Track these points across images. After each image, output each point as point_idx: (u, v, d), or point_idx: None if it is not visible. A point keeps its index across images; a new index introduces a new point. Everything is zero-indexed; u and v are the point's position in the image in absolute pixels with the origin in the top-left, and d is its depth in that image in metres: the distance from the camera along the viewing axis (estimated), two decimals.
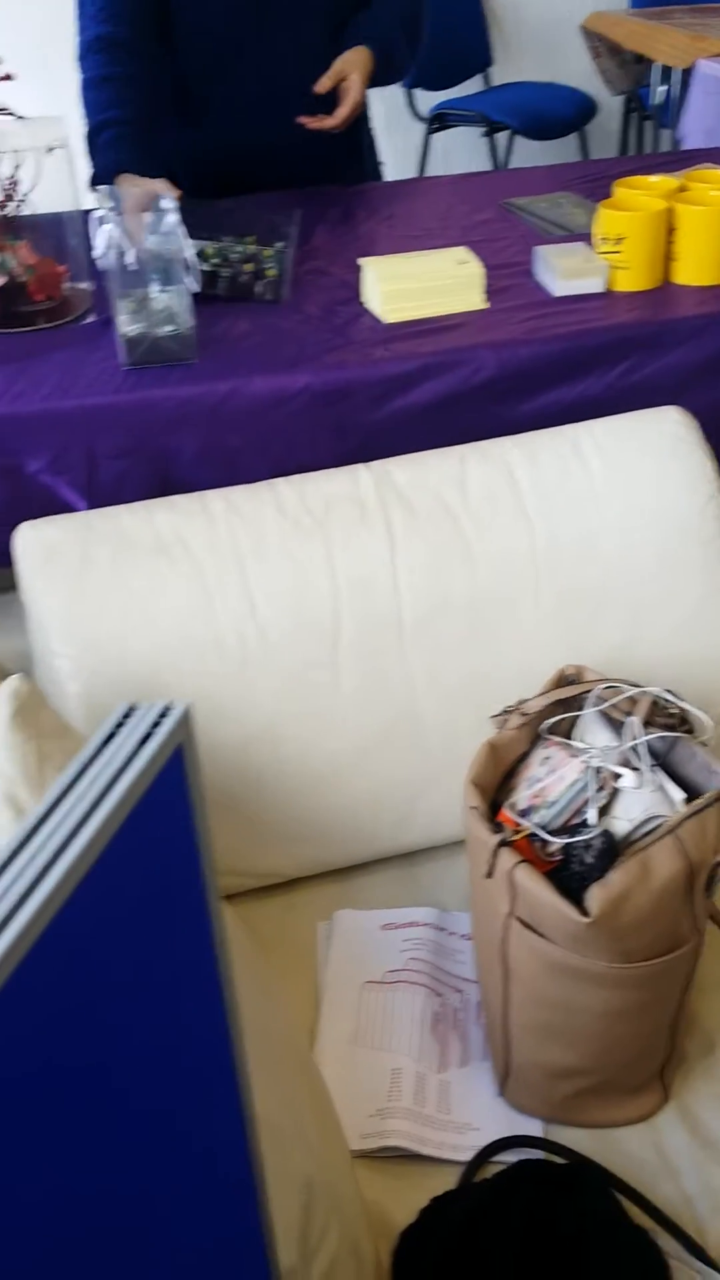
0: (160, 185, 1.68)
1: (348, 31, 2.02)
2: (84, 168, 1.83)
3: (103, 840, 0.52)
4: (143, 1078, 0.60)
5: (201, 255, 1.70)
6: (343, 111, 1.97)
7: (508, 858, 1.11)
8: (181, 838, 0.60)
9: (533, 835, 1.14)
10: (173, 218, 1.49)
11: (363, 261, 1.71)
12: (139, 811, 0.55)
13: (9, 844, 0.51)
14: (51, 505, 1.51)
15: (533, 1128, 1.19)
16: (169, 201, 1.51)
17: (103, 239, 1.53)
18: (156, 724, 0.58)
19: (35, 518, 1.40)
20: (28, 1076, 0.49)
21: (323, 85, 1.96)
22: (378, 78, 2.01)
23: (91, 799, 0.53)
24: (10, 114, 1.85)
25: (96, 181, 1.82)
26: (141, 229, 1.53)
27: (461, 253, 1.72)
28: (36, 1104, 0.50)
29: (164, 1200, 0.64)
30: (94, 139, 1.87)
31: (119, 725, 0.58)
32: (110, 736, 0.57)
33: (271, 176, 2.10)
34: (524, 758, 1.26)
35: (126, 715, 0.58)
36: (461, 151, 4.40)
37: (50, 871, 0.50)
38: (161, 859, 0.59)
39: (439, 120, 4.19)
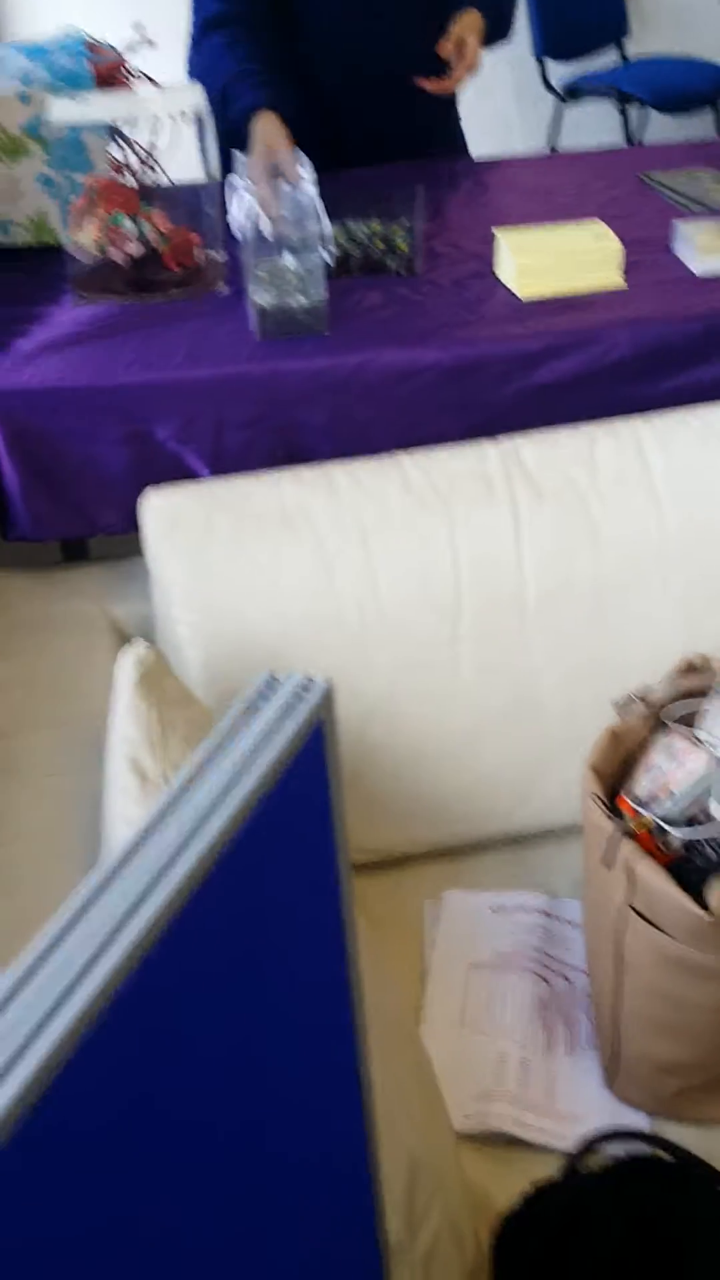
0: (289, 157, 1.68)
1: None
2: (214, 141, 1.80)
3: (244, 813, 0.52)
4: (270, 1050, 0.60)
5: None
6: (459, 73, 1.97)
7: (627, 848, 1.09)
8: (318, 813, 0.60)
9: (653, 826, 1.11)
10: (310, 188, 1.48)
11: (498, 233, 1.68)
12: (280, 785, 0.55)
13: (155, 812, 0.51)
14: (178, 473, 1.52)
15: (639, 1121, 1.17)
16: (307, 171, 1.51)
17: (239, 208, 1.53)
18: (298, 697, 0.57)
19: (161, 484, 1.41)
20: (167, 1043, 0.50)
21: (444, 49, 1.97)
22: (487, 38, 2.01)
23: (234, 770, 0.53)
24: (150, 81, 1.86)
25: (234, 128, 1.81)
26: (267, 184, 1.52)
27: (598, 227, 1.68)
28: (176, 1069, 0.51)
29: (285, 1169, 0.64)
30: (227, 94, 1.87)
31: (260, 696, 0.58)
32: (252, 708, 0.57)
33: (378, 146, 2.08)
34: (645, 746, 1.23)
35: (269, 686, 0.58)
36: (592, 125, 4.30)
37: (194, 841, 0.50)
38: (298, 833, 0.58)
39: (571, 93, 4.10)
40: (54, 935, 0.46)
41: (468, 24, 1.97)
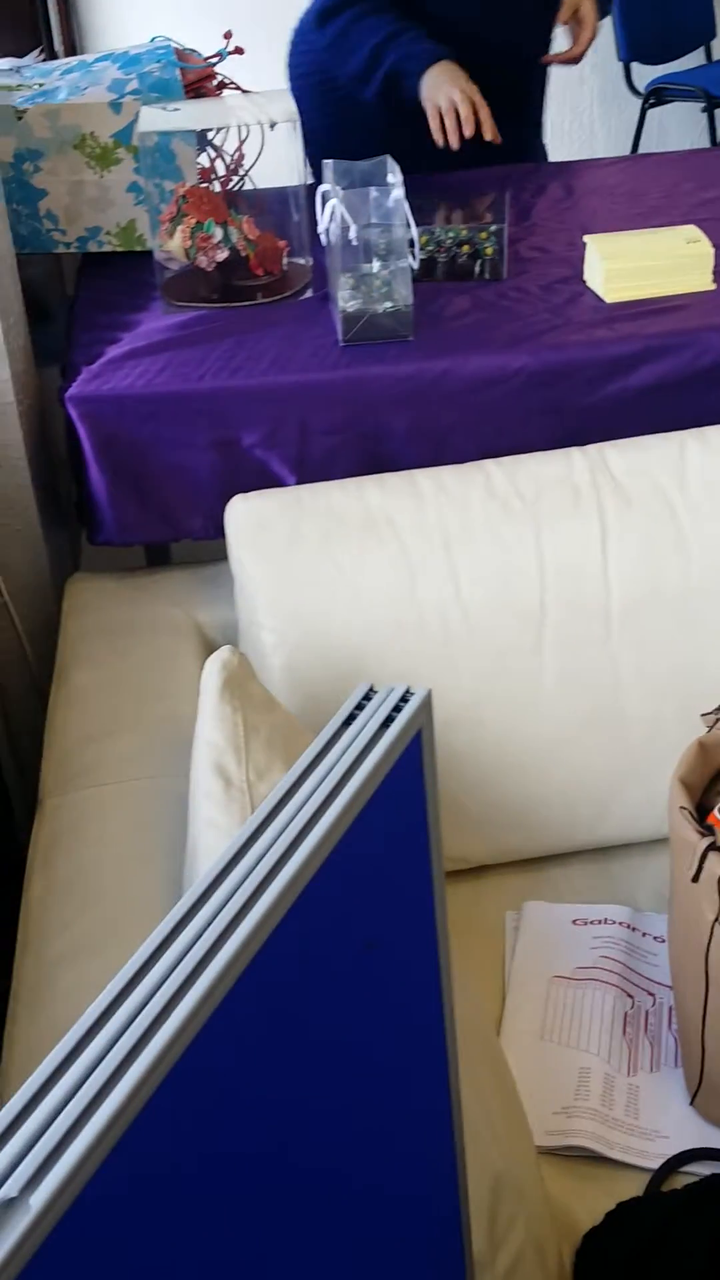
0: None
1: None
2: (297, 146, 1.79)
3: (344, 824, 0.52)
4: (362, 1060, 0.59)
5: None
6: (585, 36, 1.99)
7: (717, 863, 1.07)
8: (415, 823, 0.59)
9: None
10: (398, 193, 1.48)
11: (587, 238, 1.67)
12: (379, 796, 0.54)
13: (254, 822, 0.51)
14: (263, 479, 1.52)
15: None
16: (395, 176, 1.50)
17: (327, 214, 1.53)
18: (397, 708, 0.57)
19: (246, 491, 1.42)
20: (263, 1054, 0.49)
21: (563, 16, 1.99)
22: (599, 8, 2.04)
23: (334, 780, 0.53)
24: (238, 89, 1.87)
25: (414, 69, 1.84)
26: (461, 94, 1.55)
27: (690, 231, 1.66)
28: (270, 1080, 0.50)
29: (373, 1181, 0.64)
30: (384, 50, 1.89)
31: (359, 707, 0.57)
32: (350, 718, 0.57)
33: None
34: None
35: (366, 697, 0.58)
36: (677, 128, 4.26)
37: (295, 852, 0.50)
38: (396, 842, 0.58)
39: (656, 95, 4.06)
40: (154, 946, 0.46)
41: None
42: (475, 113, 1.82)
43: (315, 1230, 0.58)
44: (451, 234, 1.72)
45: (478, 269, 1.71)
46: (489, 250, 1.71)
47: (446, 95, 1.81)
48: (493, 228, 1.71)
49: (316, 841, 0.50)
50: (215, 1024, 0.45)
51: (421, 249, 1.70)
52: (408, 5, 1.96)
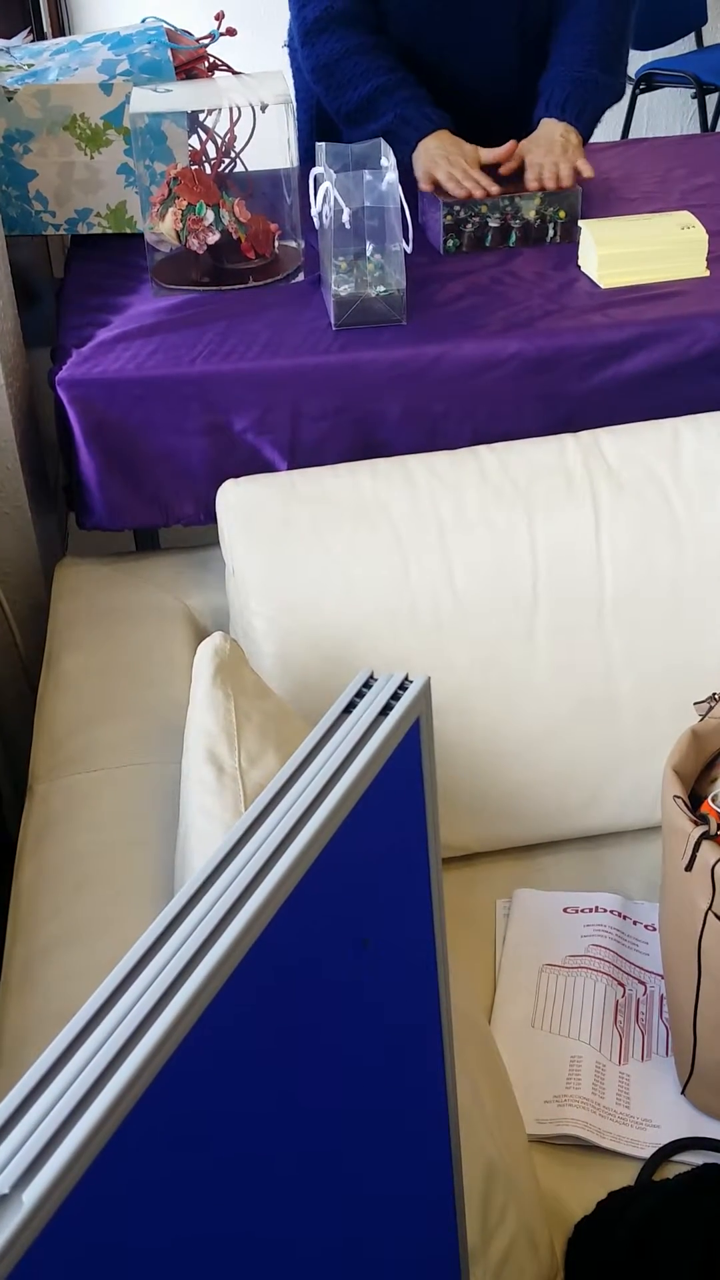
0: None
1: (540, 85, 1.91)
2: (292, 127, 1.76)
3: (343, 812, 0.51)
4: (360, 1049, 0.59)
5: (457, 215, 1.73)
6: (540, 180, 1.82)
7: (710, 852, 1.06)
8: (413, 812, 0.59)
9: None
10: (392, 176, 1.46)
11: (582, 223, 1.66)
12: (377, 785, 0.54)
13: (254, 811, 0.50)
14: (254, 464, 1.51)
15: (717, 1130, 1.15)
16: (388, 160, 1.49)
17: (320, 197, 1.52)
18: (396, 696, 0.56)
19: (237, 475, 1.41)
20: (258, 1039, 0.49)
21: (504, 164, 1.85)
22: (586, 128, 1.90)
23: (332, 770, 0.52)
24: (230, 70, 1.85)
25: (411, 137, 1.81)
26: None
27: (684, 217, 1.65)
28: (264, 1064, 0.50)
29: (370, 1170, 0.63)
30: (379, 100, 1.82)
31: (359, 695, 0.56)
32: (351, 706, 0.56)
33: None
34: None
35: (366, 685, 0.57)
36: (667, 113, 4.25)
37: (293, 840, 0.49)
38: (394, 830, 0.57)
39: (646, 81, 4.04)
40: (150, 941, 0.45)
41: (534, 148, 1.82)
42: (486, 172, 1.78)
43: (309, 1223, 0.58)
44: (525, 201, 1.72)
45: (550, 234, 1.75)
46: (561, 214, 1.73)
47: (445, 171, 1.76)
48: (569, 194, 1.72)
49: (313, 832, 0.50)
50: (210, 1019, 0.44)
51: (483, 216, 1.71)
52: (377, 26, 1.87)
